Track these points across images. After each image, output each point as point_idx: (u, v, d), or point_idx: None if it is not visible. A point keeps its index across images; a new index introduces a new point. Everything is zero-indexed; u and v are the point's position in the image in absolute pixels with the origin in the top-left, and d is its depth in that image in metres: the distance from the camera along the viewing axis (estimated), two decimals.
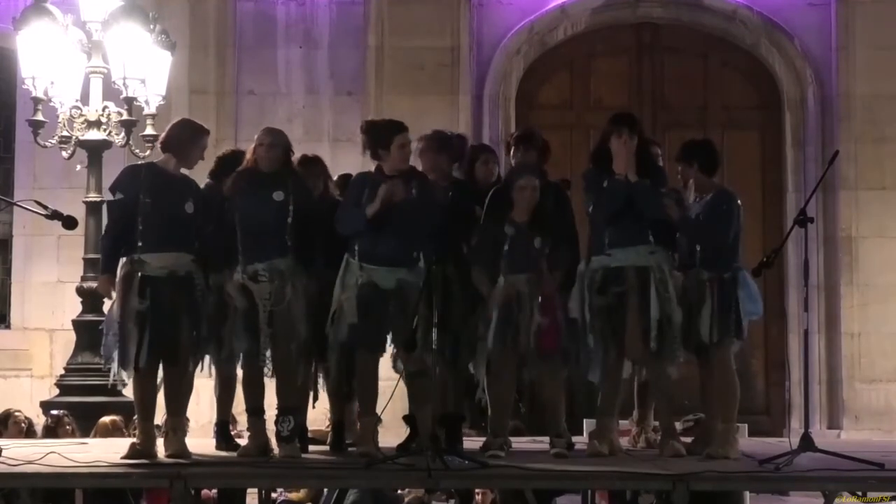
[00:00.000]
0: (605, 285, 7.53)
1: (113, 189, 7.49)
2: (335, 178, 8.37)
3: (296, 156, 7.86)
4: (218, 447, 7.89)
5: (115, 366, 7.32)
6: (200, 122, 7.70)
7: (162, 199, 7.28)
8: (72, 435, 9.45)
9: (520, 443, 8.10)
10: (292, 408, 7.42)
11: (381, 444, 7.62)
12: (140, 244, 7.24)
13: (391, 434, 8.04)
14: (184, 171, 7.51)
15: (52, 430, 9.54)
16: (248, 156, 7.64)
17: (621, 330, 7.51)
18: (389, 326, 7.42)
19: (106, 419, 9.47)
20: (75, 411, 9.94)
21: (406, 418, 7.83)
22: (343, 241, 7.55)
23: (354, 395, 8.09)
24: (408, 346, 7.31)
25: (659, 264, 7.52)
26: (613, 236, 7.53)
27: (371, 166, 7.77)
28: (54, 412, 9.85)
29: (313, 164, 8.15)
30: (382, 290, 7.40)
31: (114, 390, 9.71)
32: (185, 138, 7.47)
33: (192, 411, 7.74)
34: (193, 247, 7.32)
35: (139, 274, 7.23)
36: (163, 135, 7.68)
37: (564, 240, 7.74)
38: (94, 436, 9.34)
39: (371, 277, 7.42)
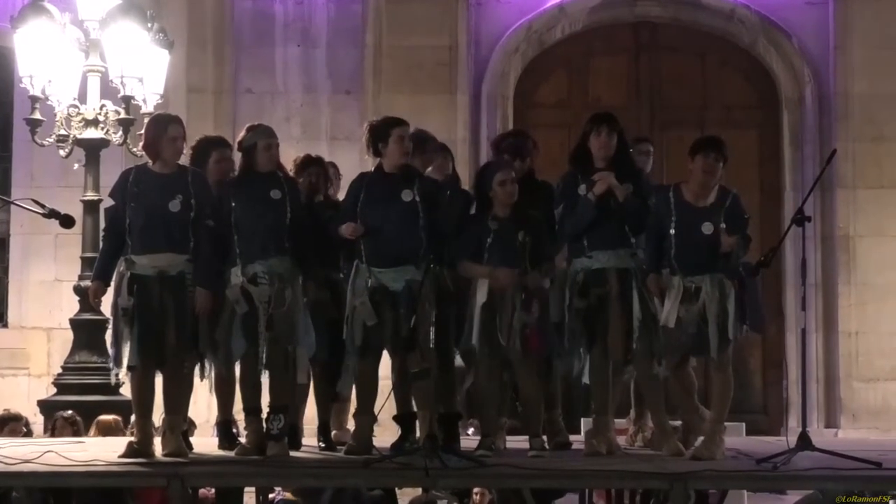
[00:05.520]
0: (587, 287, 7.54)
1: (110, 196, 7.55)
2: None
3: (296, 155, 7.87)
4: (221, 446, 7.89)
5: (111, 364, 7.39)
6: (189, 119, 7.72)
7: (144, 201, 7.27)
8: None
9: (517, 442, 8.09)
10: (284, 407, 7.41)
11: (376, 444, 7.64)
12: (130, 245, 7.26)
13: (388, 433, 8.05)
14: (181, 164, 7.50)
15: (77, 433, 9.52)
16: (239, 157, 7.64)
17: (604, 331, 7.52)
18: (398, 328, 7.44)
19: (102, 418, 9.46)
20: (73, 410, 9.91)
21: (397, 418, 7.83)
22: (341, 243, 7.60)
23: (340, 395, 8.13)
24: (407, 347, 7.33)
25: (640, 266, 7.53)
26: (593, 239, 7.54)
27: (367, 167, 7.80)
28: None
29: (316, 164, 8.17)
30: (392, 293, 7.43)
31: (112, 389, 9.75)
32: (151, 136, 7.46)
33: (190, 411, 7.75)
34: (187, 247, 7.28)
35: (128, 273, 7.25)
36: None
37: (548, 236, 7.75)
38: (91, 435, 9.34)
39: (380, 280, 7.45)
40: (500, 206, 7.66)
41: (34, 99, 10.75)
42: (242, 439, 7.78)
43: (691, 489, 6.63)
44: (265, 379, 7.52)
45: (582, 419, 8.79)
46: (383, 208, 7.47)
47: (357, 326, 7.50)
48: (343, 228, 7.50)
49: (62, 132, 10.88)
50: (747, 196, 7.80)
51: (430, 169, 8.00)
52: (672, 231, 7.39)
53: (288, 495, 9.57)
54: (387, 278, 7.46)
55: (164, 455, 7.23)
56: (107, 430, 9.27)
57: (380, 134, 7.61)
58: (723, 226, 7.28)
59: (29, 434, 10.26)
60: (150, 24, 10.82)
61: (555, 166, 8.66)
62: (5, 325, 13.33)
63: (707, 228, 7.29)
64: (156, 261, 7.24)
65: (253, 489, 8.65)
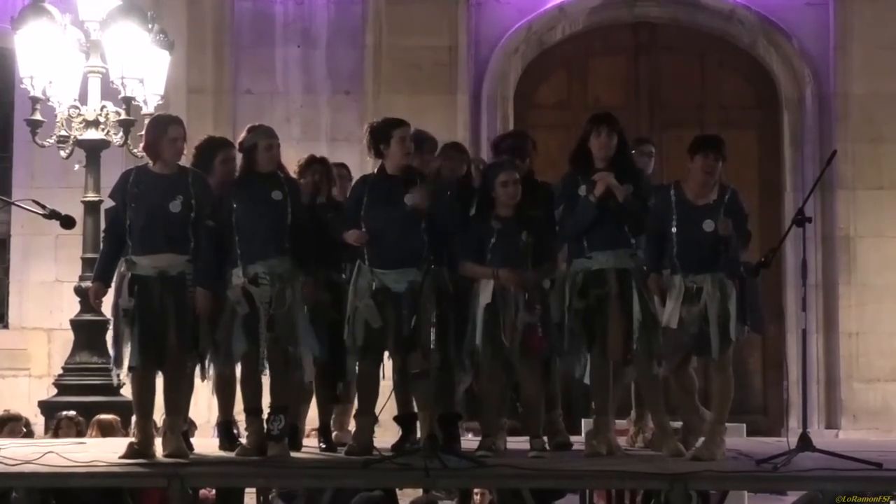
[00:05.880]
0: (586, 288, 7.55)
1: (110, 197, 7.56)
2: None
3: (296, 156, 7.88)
4: (221, 447, 7.90)
5: (112, 364, 7.42)
6: (188, 119, 7.74)
7: (145, 201, 7.29)
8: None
9: (517, 442, 8.10)
10: (284, 407, 7.42)
11: (377, 444, 7.64)
12: (131, 246, 7.28)
13: (389, 434, 8.06)
14: (181, 165, 7.52)
15: (81, 433, 9.52)
16: (240, 157, 7.64)
17: (603, 332, 7.52)
18: (401, 329, 7.44)
19: (101, 417, 9.45)
20: (75, 411, 9.92)
21: (397, 419, 7.84)
22: (343, 244, 7.61)
23: (339, 396, 8.14)
24: (408, 348, 7.34)
25: (640, 266, 7.53)
26: (593, 239, 7.55)
27: (367, 168, 7.81)
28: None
29: (320, 164, 8.17)
30: (394, 294, 7.44)
31: (112, 390, 9.76)
32: (151, 136, 7.48)
33: (190, 412, 7.76)
34: (187, 247, 7.30)
35: (129, 273, 7.26)
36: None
37: (549, 236, 7.77)
38: (91, 434, 9.34)
39: (383, 282, 7.46)
40: (503, 207, 7.66)
41: (35, 100, 10.75)
42: (243, 440, 7.79)
43: (692, 490, 6.63)
44: (265, 379, 7.53)
45: (582, 420, 8.79)
46: (387, 211, 7.48)
47: (358, 327, 7.51)
48: (348, 235, 7.51)
49: (63, 133, 10.88)
50: (747, 196, 7.80)
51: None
52: (673, 229, 7.40)
53: None
54: (389, 280, 7.48)
55: (165, 456, 7.24)
56: (106, 429, 9.27)
57: (381, 135, 7.62)
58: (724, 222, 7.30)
59: (29, 435, 10.26)
60: (150, 25, 10.82)
61: (554, 167, 8.66)
62: (6, 326, 13.32)
63: (708, 226, 7.31)
64: (156, 261, 7.25)
65: (253, 490, 8.66)
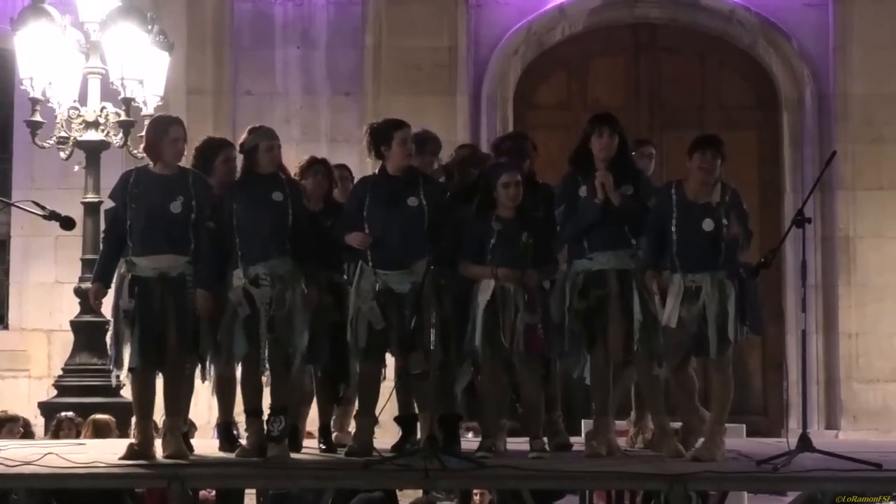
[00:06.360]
0: (587, 288, 7.55)
1: (110, 198, 7.57)
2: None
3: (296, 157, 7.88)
4: (221, 448, 7.90)
5: (111, 365, 7.42)
6: (188, 120, 7.73)
7: (145, 202, 7.29)
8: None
9: (517, 443, 8.10)
10: (284, 408, 7.41)
11: (377, 445, 7.64)
12: (131, 247, 7.28)
13: (389, 435, 8.06)
14: (181, 166, 7.52)
15: (80, 434, 9.53)
16: (241, 159, 7.64)
17: (604, 332, 7.53)
18: (403, 330, 7.45)
19: (97, 417, 9.45)
20: (73, 412, 9.92)
21: (398, 419, 7.84)
22: (344, 246, 7.61)
23: (341, 397, 8.13)
24: (408, 348, 7.34)
25: (640, 267, 7.53)
26: (593, 240, 7.55)
27: (367, 169, 7.81)
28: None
29: (321, 165, 8.18)
30: (397, 295, 7.45)
31: (112, 391, 9.76)
32: (152, 137, 7.48)
33: (190, 413, 7.76)
34: (188, 248, 7.30)
35: (129, 275, 7.26)
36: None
37: (549, 237, 7.77)
38: (85, 434, 9.34)
39: (386, 283, 7.46)
40: (504, 208, 7.66)
41: (34, 101, 10.75)
42: (243, 441, 7.78)
43: (691, 490, 6.64)
44: (265, 380, 7.53)
45: (582, 420, 8.79)
46: (389, 212, 7.48)
47: (361, 329, 7.51)
48: (350, 238, 7.51)
49: (62, 134, 10.89)
50: (747, 197, 7.80)
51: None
52: (673, 228, 7.40)
53: None
54: (392, 280, 7.48)
55: (165, 457, 7.23)
56: (101, 430, 9.26)
57: (381, 137, 7.62)
58: (725, 222, 7.30)
59: (29, 436, 10.26)
60: (150, 26, 10.82)
61: (554, 167, 8.66)
62: (6, 327, 13.33)
63: (707, 225, 7.32)
64: (157, 262, 7.26)
65: (253, 491, 8.66)
